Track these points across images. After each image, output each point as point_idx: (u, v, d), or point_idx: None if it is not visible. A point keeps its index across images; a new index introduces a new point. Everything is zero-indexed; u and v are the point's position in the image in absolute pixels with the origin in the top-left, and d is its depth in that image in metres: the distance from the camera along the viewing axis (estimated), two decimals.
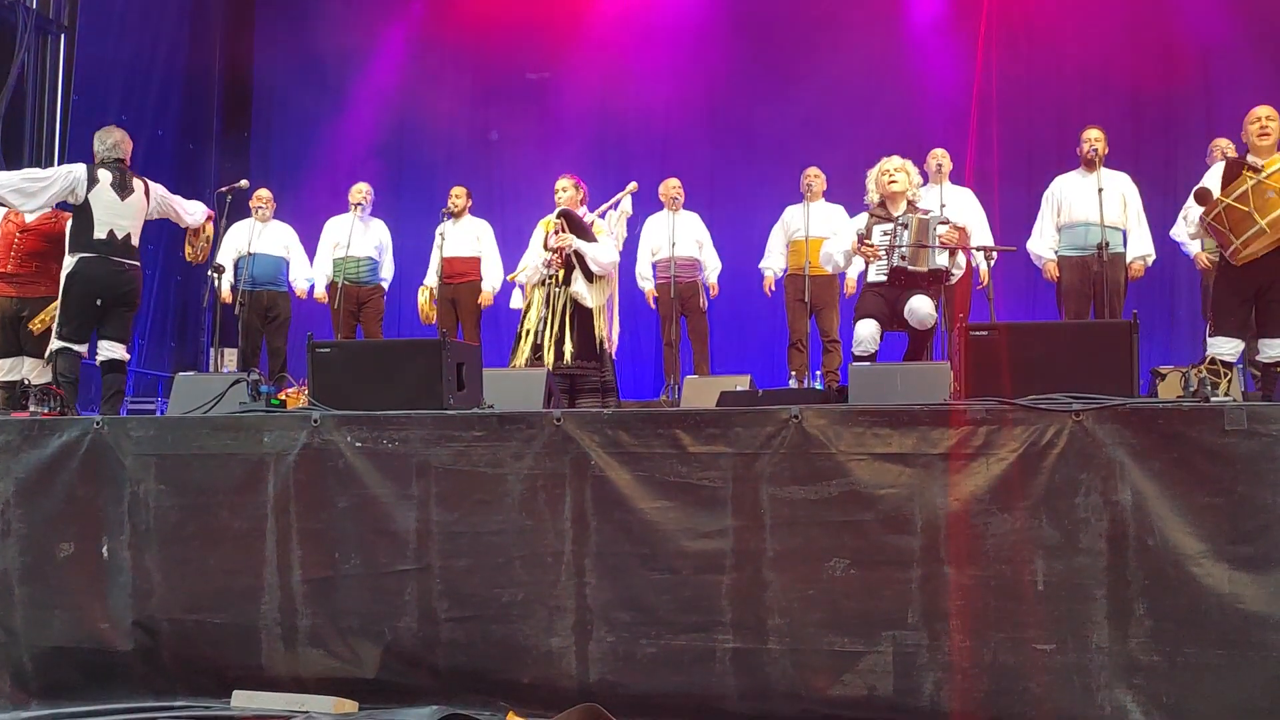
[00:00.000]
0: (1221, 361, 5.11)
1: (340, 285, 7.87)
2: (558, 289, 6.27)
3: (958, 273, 5.84)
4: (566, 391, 6.17)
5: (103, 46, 9.28)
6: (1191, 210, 5.54)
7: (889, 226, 5.59)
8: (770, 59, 9.87)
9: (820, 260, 6.23)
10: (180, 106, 10.48)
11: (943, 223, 5.61)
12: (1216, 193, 4.99)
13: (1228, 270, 5.17)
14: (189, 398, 4.28)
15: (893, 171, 5.71)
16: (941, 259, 5.51)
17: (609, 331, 6.41)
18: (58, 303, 5.89)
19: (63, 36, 8.68)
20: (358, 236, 7.95)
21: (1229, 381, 5.00)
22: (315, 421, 3.62)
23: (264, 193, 8.23)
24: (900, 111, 9.42)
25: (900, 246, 5.48)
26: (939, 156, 7.19)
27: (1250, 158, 5.20)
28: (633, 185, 7.11)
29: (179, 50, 10.44)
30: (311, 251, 8.27)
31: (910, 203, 5.73)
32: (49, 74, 8.59)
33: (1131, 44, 9.29)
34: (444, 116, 10.72)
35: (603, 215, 6.76)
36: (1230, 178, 5.10)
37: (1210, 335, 5.30)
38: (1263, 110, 5.35)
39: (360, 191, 8.08)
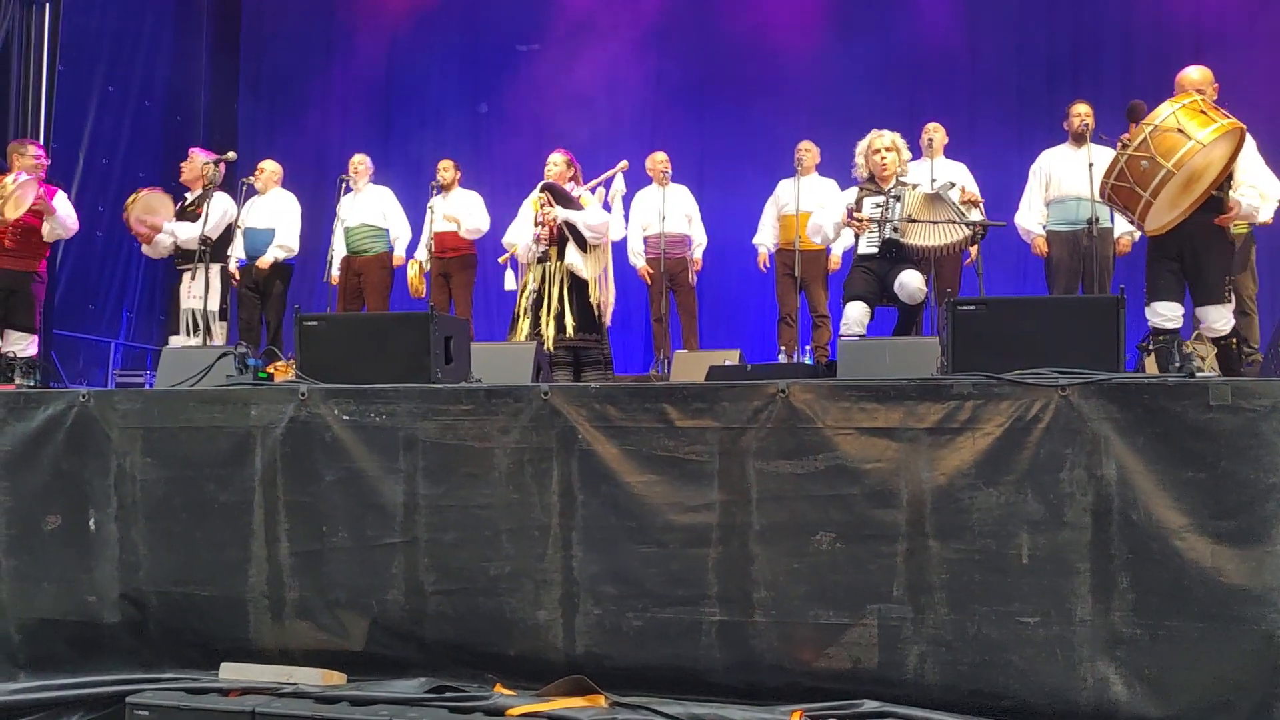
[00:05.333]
0: (1163, 331, 5.07)
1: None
2: (553, 265, 6.27)
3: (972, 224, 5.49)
4: (571, 364, 6.16)
5: (88, 16, 9.21)
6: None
7: (880, 199, 5.58)
8: (762, 32, 9.81)
9: (808, 232, 6.19)
10: (167, 78, 10.39)
11: (950, 185, 5.53)
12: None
13: (1151, 241, 5.21)
14: (177, 370, 4.27)
15: (884, 152, 5.67)
16: (947, 235, 5.41)
17: (605, 302, 6.40)
18: None
19: (48, 6, 8.58)
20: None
21: (1213, 355, 5.00)
22: (303, 395, 3.61)
23: (269, 165, 8.14)
24: (894, 84, 9.39)
25: (891, 220, 5.46)
26: (930, 131, 7.16)
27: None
28: (624, 163, 7.08)
29: (165, 21, 10.36)
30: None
31: (898, 177, 5.71)
32: (34, 44, 8.50)
33: (1122, 18, 9.28)
34: (433, 88, 10.68)
35: (593, 190, 6.74)
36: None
37: (1147, 304, 5.27)
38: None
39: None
